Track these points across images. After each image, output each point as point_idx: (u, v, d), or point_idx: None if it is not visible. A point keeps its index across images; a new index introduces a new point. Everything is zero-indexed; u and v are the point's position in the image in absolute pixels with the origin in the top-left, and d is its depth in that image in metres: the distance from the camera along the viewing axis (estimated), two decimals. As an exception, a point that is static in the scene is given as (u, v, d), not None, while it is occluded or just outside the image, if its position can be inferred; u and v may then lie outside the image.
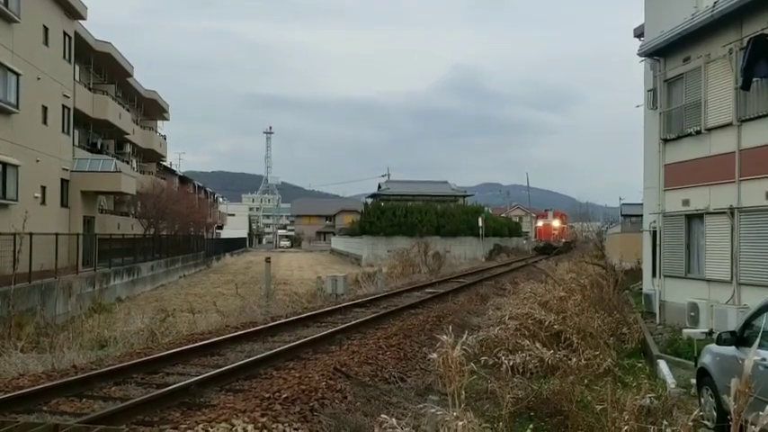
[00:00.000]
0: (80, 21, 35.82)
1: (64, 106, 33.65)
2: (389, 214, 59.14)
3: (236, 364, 10.20)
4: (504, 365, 9.60)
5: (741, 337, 8.04)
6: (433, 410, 6.24)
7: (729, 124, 14.59)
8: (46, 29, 30.85)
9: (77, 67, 37.67)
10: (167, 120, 62.75)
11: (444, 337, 6.48)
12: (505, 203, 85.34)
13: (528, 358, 10.63)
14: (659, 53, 17.77)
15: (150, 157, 57.03)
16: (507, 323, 12.83)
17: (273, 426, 6.95)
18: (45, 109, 30.81)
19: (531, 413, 8.26)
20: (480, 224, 59.73)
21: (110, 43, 41.51)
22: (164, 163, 64.03)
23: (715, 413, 8.25)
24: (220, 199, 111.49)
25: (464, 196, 72.95)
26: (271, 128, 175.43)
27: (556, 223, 73.13)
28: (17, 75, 26.88)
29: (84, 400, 8.40)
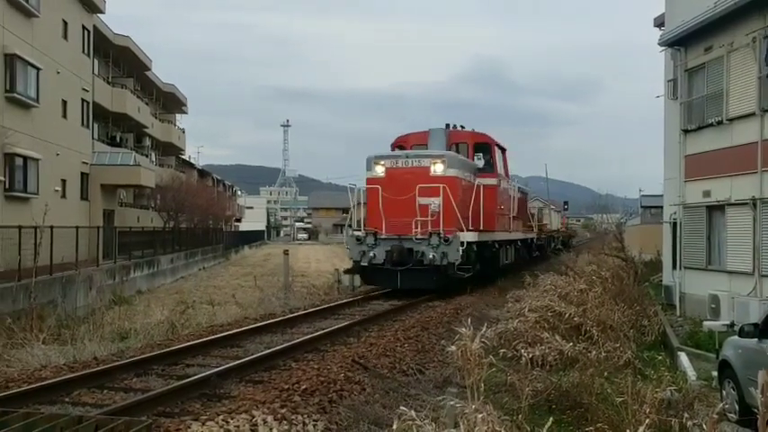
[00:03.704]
0: (99, 14, 36.06)
1: (83, 100, 33.92)
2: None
3: (256, 355, 10.24)
4: (523, 358, 9.56)
5: (764, 330, 7.95)
6: (451, 403, 6.23)
7: (752, 114, 14.39)
8: (65, 23, 31.08)
9: (96, 61, 37.95)
10: (186, 113, 63.15)
11: (463, 329, 6.46)
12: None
13: (547, 351, 10.58)
14: (680, 43, 17.55)
15: (169, 151, 57.40)
16: (527, 315, 12.77)
17: (293, 417, 6.97)
18: (65, 103, 31.08)
19: (551, 406, 8.23)
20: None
21: (128, 37, 41.77)
22: (182, 156, 64.41)
23: (737, 406, 8.17)
24: (239, 192, 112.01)
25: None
26: (288, 121, 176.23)
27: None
28: (37, 69, 27.12)
29: (105, 391, 8.47)
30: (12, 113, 25.54)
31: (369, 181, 19.03)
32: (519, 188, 28.14)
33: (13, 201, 25.40)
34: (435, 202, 17.79)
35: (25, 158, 26.12)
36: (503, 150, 23.67)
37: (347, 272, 20.41)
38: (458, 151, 20.80)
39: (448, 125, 21.83)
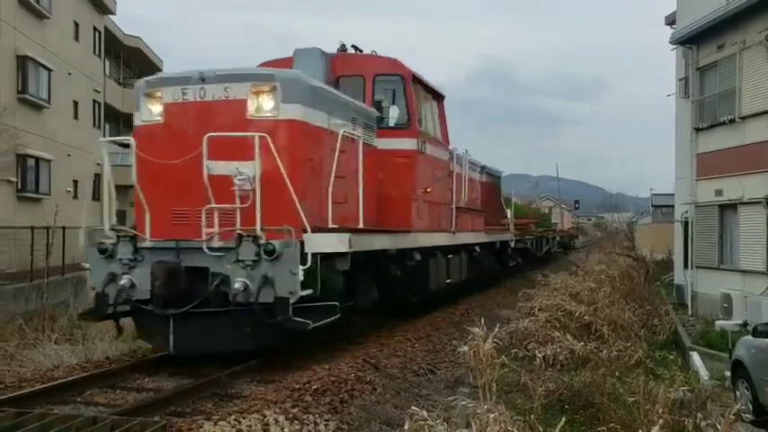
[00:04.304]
0: (110, 15, 36.22)
1: (94, 101, 34.07)
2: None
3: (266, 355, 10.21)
4: (535, 358, 9.54)
5: (778, 330, 7.90)
6: (463, 403, 6.22)
7: (765, 112, 14.31)
8: (76, 24, 31.23)
9: (107, 62, 38.11)
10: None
11: (475, 329, 6.45)
12: (534, 194, 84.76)
13: (558, 350, 10.55)
14: (692, 41, 17.46)
15: (179, 151, 57.53)
16: (537, 315, 12.75)
17: (304, 417, 6.98)
18: (76, 104, 31.22)
19: (563, 405, 8.20)
20: (509, 215, 59.11)
21: (139, 38, 41.91)
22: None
23: (751, 406, 8.12)
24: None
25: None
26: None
27: None
28: (49, 70, 27.26)
29: (117, 391, 8.50)
30: (23, 114, 25.67)
31: (136, 133, 9.92)
32: (483, 169, 20.76)
33: (26, 201, 25.53)
34: (246, 173, 8.84)
35: (37, 159, 26.26)
36: (436, 98, 14.32)
37: (82, 317, 11.27)
38: (347, 91, 11.63)
39: (343, 46, 12.94)
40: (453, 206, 15.09)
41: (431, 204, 13.55)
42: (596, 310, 13.09)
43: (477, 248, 17.81)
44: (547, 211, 47.78)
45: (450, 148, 15.17)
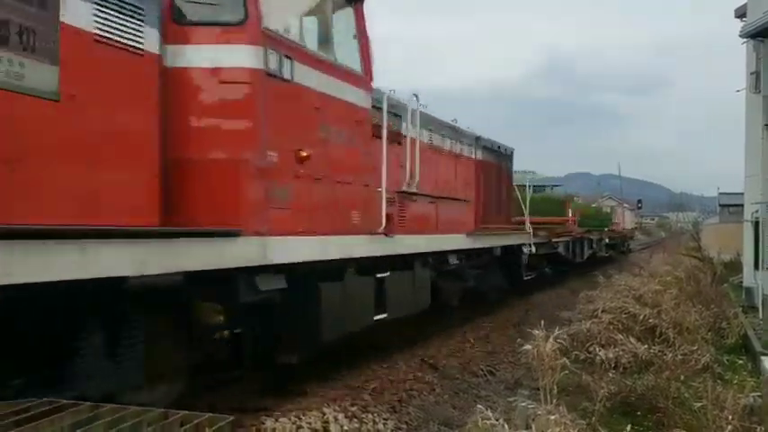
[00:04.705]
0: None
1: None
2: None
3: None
4: (596, 359, 9.39)
5: None
6: (523, 404, 6.17)
7: (841, 107, 13.72)
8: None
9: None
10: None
11: (536, 330, 6.39)
12: (596, 193, 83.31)
13: (621, 353, 10.34)
14: (763, 34, 16.87)
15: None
16: (600, 317, 12.52)
17: (363, 415, 7.04)
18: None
19: (626, 409, 8.04)
20: (570, 215, 58.19)
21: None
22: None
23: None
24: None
25: (552, 186, 71.49)
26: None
27: None
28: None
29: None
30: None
31: None
32: (478, 141, 14.09)
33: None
34: None
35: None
36: None
37: None
38: None
39: None
40: (383, 190, 8.48)
41: (318, 183, 7.11)
42: (660, 313, 12.78)
43: (455, 259, 11.69)
44: (609, 210, 46.72)
45: (377, 89, 8.82)
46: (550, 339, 6.29)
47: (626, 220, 50.52)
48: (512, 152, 17.03)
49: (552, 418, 5.41)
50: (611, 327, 11.93)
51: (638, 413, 7.91)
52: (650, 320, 12.45)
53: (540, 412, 5.66)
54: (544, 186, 70.18)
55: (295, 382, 8.74)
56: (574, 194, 62.82)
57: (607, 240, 31.90)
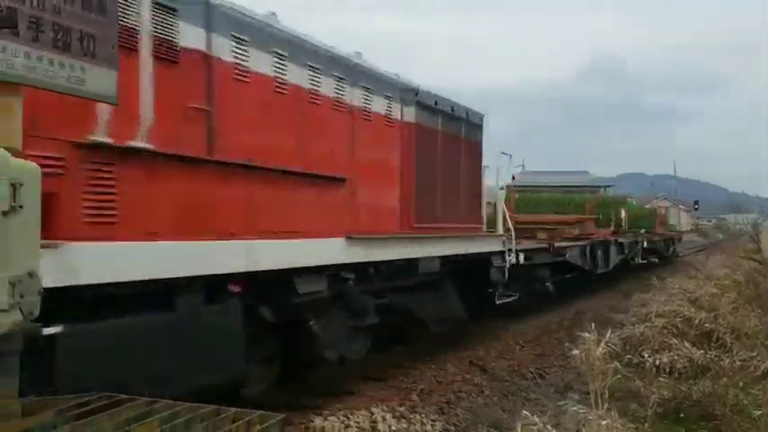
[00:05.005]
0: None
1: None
2: (522, 205, 57.40)
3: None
4: (648, 364, 9.19)
5: None
6: (574, 408, 6.09)
7: None
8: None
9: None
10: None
11: (586, 334, 6.30)
12: (650, 194, 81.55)
13: (675, 358, 10.10)
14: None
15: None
16: (654, 320, 12.26)
17: (411, 416, 7.05)
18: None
19: (680, 415, 7.86)
20: (623, 215, 57.04)
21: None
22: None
23: None
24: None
25: (605, 186, 70.15)
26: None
27: None
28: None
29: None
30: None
31: None
32: (412, 96, 9.26)
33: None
34: None
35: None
36: None
37: None
38: None
39: None
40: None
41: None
42: (717, 317, 12.44)
43: (317, 284, 7.06)
44: (663, 212, 45.66)
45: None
46: (601, 343, 6.19)
47: (682, 221, 49.28)
48: (481, 119, 11.72)
49: (603, 423, 5.33)
50: (665, 331, 11.67)
51: (693, 420, 7.73)
52: (706, 325, 12.13)
53: (590, 417, 5.58)
54: (596, 187, 69.07)
55: (344, 382, 8.84)
56: (627, 195, 61.47)
57: (645, 244, 26.11)
